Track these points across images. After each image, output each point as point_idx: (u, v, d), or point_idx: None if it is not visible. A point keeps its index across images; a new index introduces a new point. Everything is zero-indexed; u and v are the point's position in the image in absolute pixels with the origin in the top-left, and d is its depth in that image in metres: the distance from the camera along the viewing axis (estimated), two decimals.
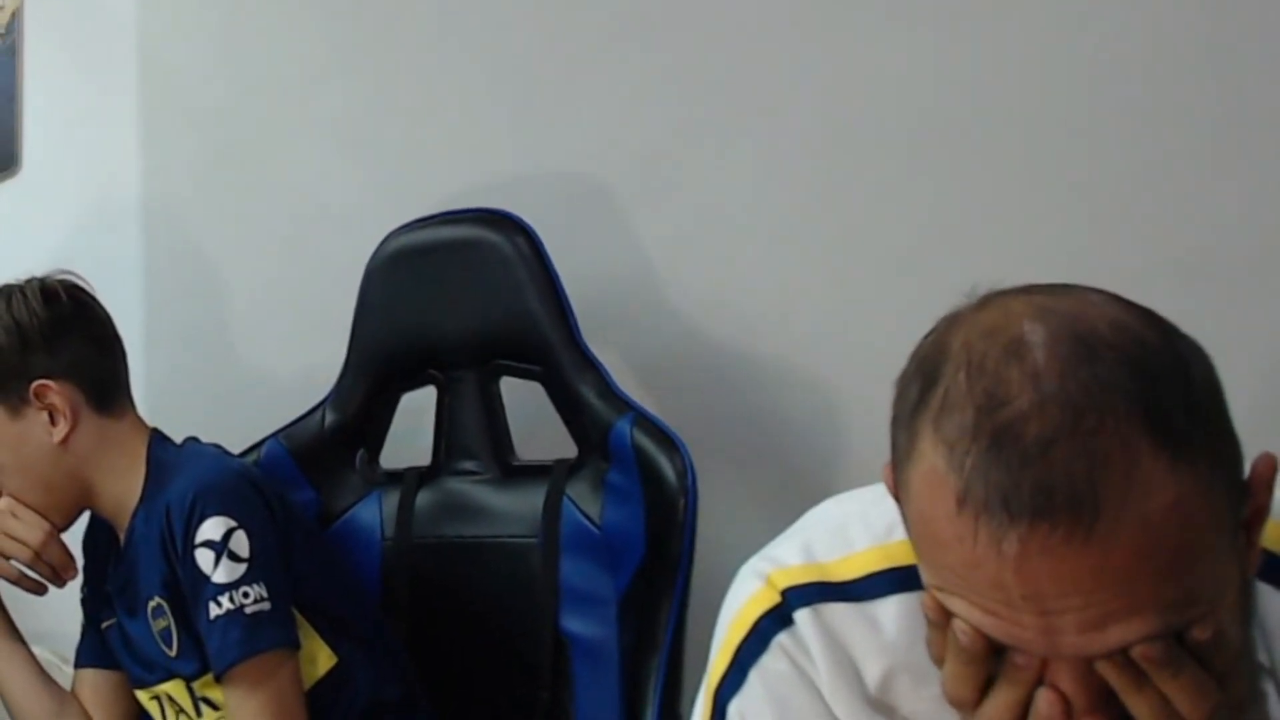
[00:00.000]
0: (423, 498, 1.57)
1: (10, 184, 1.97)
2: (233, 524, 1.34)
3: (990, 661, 0.72)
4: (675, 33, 1.59)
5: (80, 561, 1.53)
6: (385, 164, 1.76)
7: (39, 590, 1.48)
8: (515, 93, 1.68)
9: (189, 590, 1.35)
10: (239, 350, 1.84)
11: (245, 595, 1.32)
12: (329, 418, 1.61)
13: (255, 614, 1.32)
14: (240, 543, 1.33)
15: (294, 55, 1.81)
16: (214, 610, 1.32)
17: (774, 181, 1.54)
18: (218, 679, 1.35)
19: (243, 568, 1.33)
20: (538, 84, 1.67)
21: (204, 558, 1.33)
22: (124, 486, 1.44)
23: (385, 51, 1.76)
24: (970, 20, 1.42)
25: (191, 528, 1.33)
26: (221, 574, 1.32)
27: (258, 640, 1.32)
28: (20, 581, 1.47)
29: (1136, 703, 0.69)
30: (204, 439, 1.51)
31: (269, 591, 1.33)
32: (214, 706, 1.41)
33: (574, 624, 1.46)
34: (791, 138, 1.53)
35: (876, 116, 1.48)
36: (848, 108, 1.50)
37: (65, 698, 1.53)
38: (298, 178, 1.80)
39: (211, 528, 1.33)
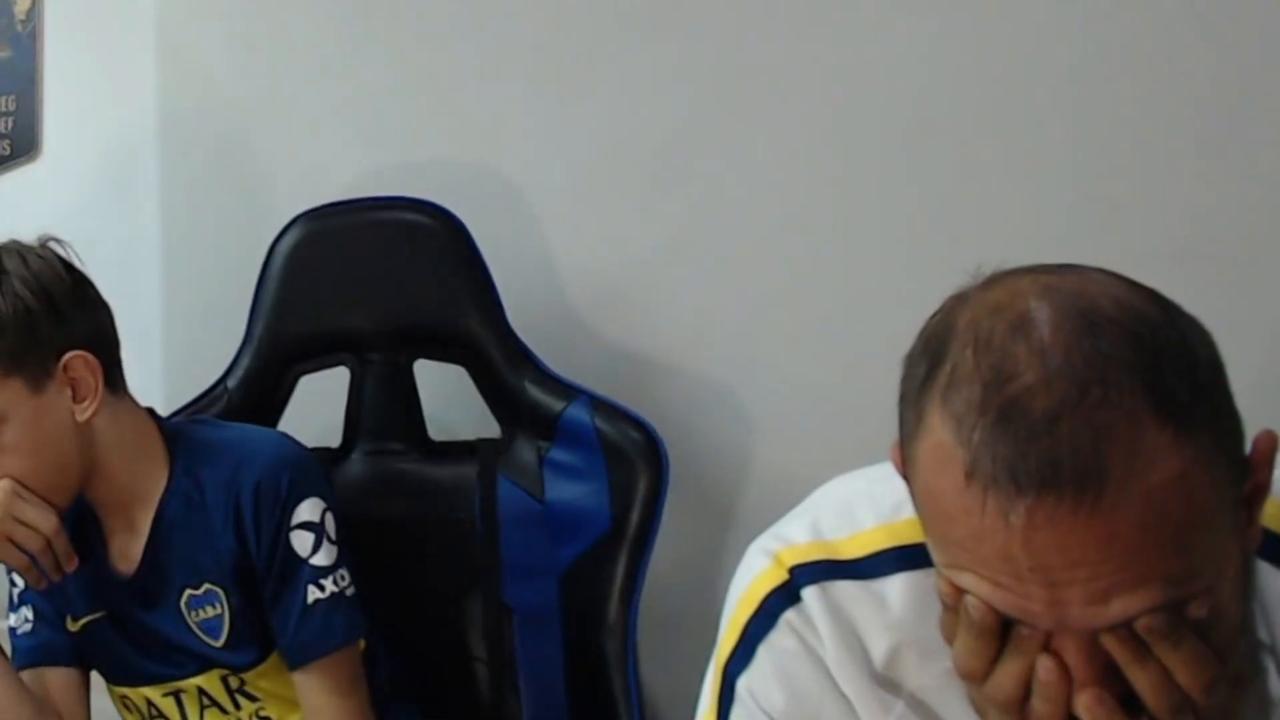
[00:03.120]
0: (336, 478, 1.56)
1: (31, 168, 1.99)
2: (324, 505, 1.29)
3: (1000, 635, 0.73)
4: (675, 27, 1.61)
5: None
6: (396, 149, 1.78)
7: (41, 582, 1.32)
8: (527, 79, 1.70)
9: (274, 574, 1.28)
10: None
11: (343, 579, 1.29)
12: (227, 396, 1.60)
13: (353, 598, 1.29)
14: (331, 525, 1.29)
15: (309, 41, 1.83)
16: (314, 594, 1.27)
17: (765, 175, 1.56)
18: (301, 664, 1.29)
19: (336, 550, 1.29)
20: (550, 71, 1.69)
21: (300, 540, 1.27)
22: (138, 470, 1.32)
23: (398, 39, 1.77)
24: (974, 10, 1.43)
25: (288, 509, 1.27)
26: (321, 557, 1.28)
27: (357, 625, 1.30)
28: (28, 571, 1.31)
29: (1139, 676, 0.70)
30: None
31: (351, 575, 1.30)
32: (252, 697, 1.35)
33: (514, 595, 1.50)
34: (796, 129, 1.55)
35: (875, 107, 1.50)
36: (849, 100, 1.52)
37: (44, 706, 1.37)
38: (312, 161, 1.82)
39: (308, 509, 1.28)
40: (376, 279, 1.54)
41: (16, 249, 1.29)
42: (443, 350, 1.56)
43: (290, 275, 1.58)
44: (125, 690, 1.41)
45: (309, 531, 1.27)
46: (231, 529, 1.28)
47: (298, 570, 1.27)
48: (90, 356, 1.28)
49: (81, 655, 1.41)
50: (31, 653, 1.40)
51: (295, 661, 1.30)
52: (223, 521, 1.28)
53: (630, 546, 1.46)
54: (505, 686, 1.50)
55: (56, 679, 1.40)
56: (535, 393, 1.51)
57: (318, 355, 1.59)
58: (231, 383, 1.60)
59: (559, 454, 1.50)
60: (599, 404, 1.49)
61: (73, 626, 1.40)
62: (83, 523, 1.36)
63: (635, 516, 1.46)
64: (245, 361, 1.60)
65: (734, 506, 1.59)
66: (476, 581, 1.50)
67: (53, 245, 1.32)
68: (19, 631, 1.42)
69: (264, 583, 1.29)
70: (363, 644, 1.37)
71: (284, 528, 1.27)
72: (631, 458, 1.46)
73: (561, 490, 1.50)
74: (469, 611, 1.51)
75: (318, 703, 1.30)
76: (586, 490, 1.48)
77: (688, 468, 1.56)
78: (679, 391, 1.61)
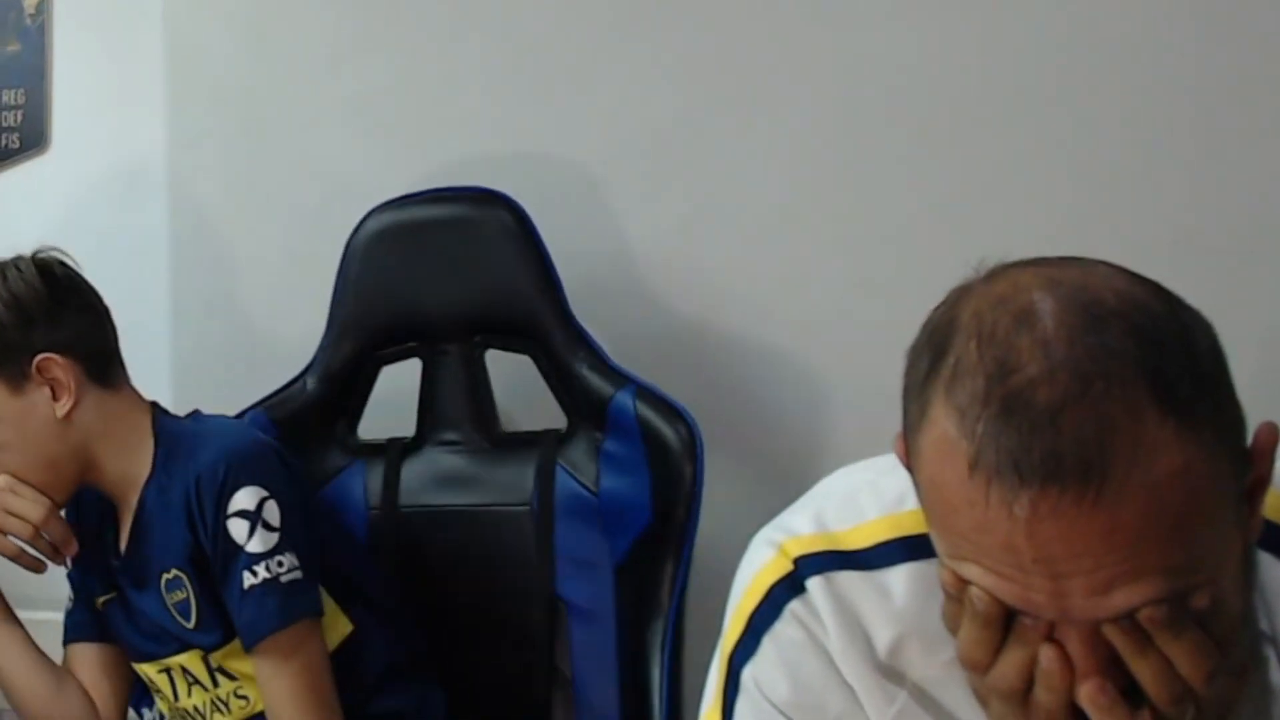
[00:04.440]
0: (408, 468, 1.59)
1: (40, 161, 2.00)
2: (264, 494, 1.35)
3: (1004, 625, 0.73)
4: (685, 17, 1.63)
5: None
6: (403, 141, 1.79)
7: (38, 568, 1.46)
8: (530, 72, 1.72)
9: (218, 560, 1.35)
10: (264, 322, 1.87)
11: (279, 564, 1.33)
12: (309, 387, 1.62)
13: (290, 583, 1.34)
14: (272, 512, 1.34)
15: (317, 34, 1.84)
16: (249, 580, 1.33)
17: (775, 165, 1.58)
18: (249, 649, 1.36)
19: (275, 537, 1.34)
20: (551, 65, 1.70)
21: (237, 528, 1.34)
22: (130, 460, 1.43)
23: (403, 32, 1.78)
24: (975, 4, 1.44)
25: (224, 498, 1.34)
26: (256, 544, 1.33)
27: (293, 609, 1.34)
28: (19, 558, 1.44)
29: (1140, 667, 0.71)
30: (231, 408, 1.52)
31: (299, 560, 1.35)
32: (230, 676, 1.42)
33: (570, 588, 1.50)
34: (793, 123, 1.57)
35: (881, 97, 1.51)
36: (851, 93, 1.53)
37: (63, 675, 1.50)
38: (320, 154, 1.83)
39: (245, 498, 1.34)
40: (448, 268, 1.56)
41: (1, 267, 1.42)
42: (510, 339, 1.56)
43: (367, 267, 1.59)
44: (135, 666, 1.50)
45: (244, 519, 1.34)
46: (185, 517, 1.37)
47: (235, 557, 1.34)
48: (61, 358, 1.39)
49: (105, 633, 1.51)
50: (69, 629, 1.53)
51: (245, 646, 1.37)
52: (179, 510, 1.37)
53: (673, 539, 1.43)
54: (558, 680, 1.50)
55: (85, 654, 1.51)
56: (591, 380, 1.51)
57: (393, 345, 1.61)
58: (311, 376, 1.63)
59: (611, 444, 1.50)
60: (643, 392, 1.47)
61: (99, 605, 1.50)
62: (102, 510, 1.48)
63: (676, 509, 1.43)
64: (326, 355, 1.62)
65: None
66: (529, 575, 1.51)
67: (43, 255, 1.44)
68: (66, 610, 1.54)
69: (213, 569, 1.36)
70: (350, 628, 1.43)
71: (221, 516, 1.34)
72: (671, 448, 1.44)
73: (611, 481, 1.49)
74: (523, 604, 1.52)
75: (264, 687, 1.37)
76: (631, 482, 1.47)
77: (758, 450, 1.56)
78: (749, 373, 1.60)
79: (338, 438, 1.63)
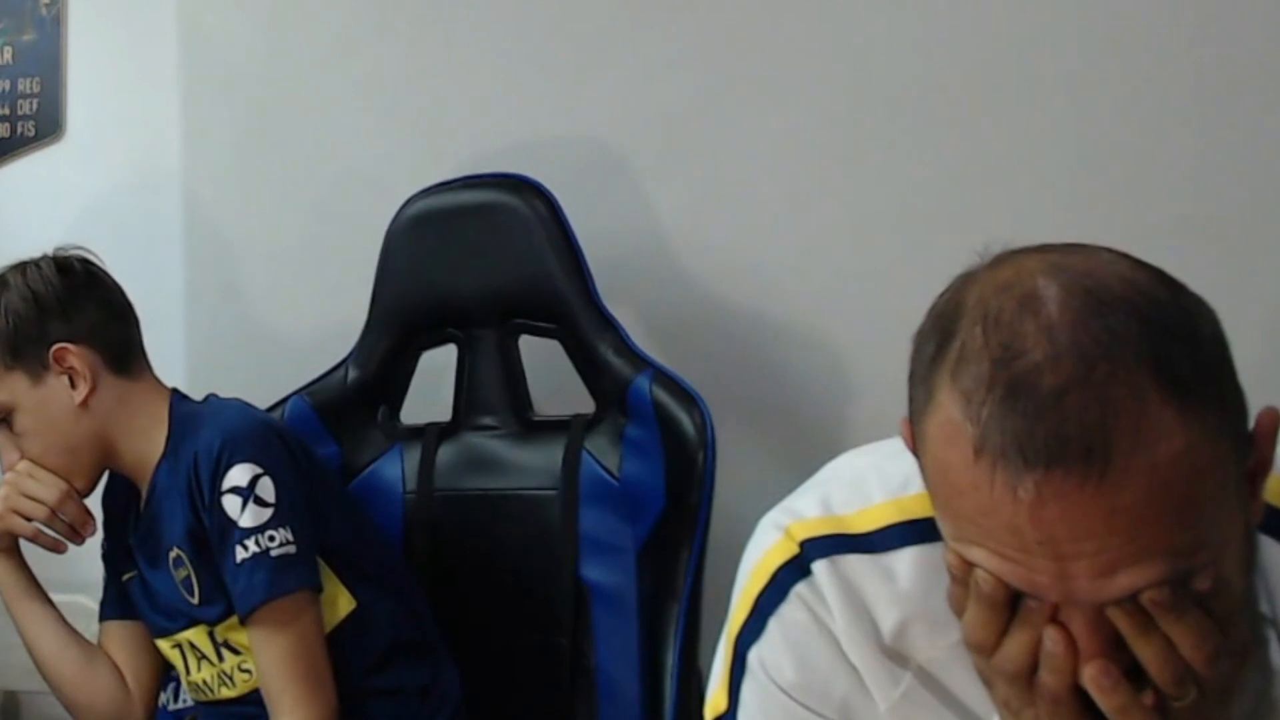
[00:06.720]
0: (444, 452, 1.61)
1: (55, 149, 2.01)
2: (259, 470, 1.38)
3: (1009, 608, 0.74)
4: (698, 2, 1.63)
5: (101, 519, 1.55)
6: (414, 128, 1.80)
7: (57, 548, 1.52)
8: (540, 59, 1.73)
9: (216, 536, 1.38)
10: (277, 308, 1.88)
11: (271, 539, 1.36)
12: (351, 375, 1.65)
13: (281, 556, 1.37)
14: (266, 488, 1.38)
15: (328, 22, 1.85)
16: (240, 554, 1.36)
17: (788, 147, 1.59)
18: (243, 621, 1.39)
19: (269, 512, 1.37)
20: (562, 51, 1.71)
21: (231, 503, 1.37)
22: (146, 444, 1.48)
23: (415, 19, 1.79)
24: None
25: (219, 475, 1.37)
26: (248, 518, 1.36)
27: (283, 582, 1.37)
28: (38, 538, 1.51)
29: (1143, 648, 0.71)
30: (244, 394, 1.53)
31: (294, 535, 1.38)
32: (235, 650, 1.45)
33: (594, 572, 1.51)
34: (806, 104, 1.57)
35: (889, 82, 1.52)
36: (861, 75, 1.53)
37: (93, 651, 1.55)
38: (331, 141, 1.84)
39: (239, 474, 1.37)
40: (482, 253, 1.57)
41: (22, 265, 1.48)
42: (541, 323, 1.58)
43: (404, 255, 1.61)
44: (156, 641, 1.54)
45: (237, 495, 1.37)
46: (186, 495, 1.41)
47: (230, 532, 1.37)
48: (76, 347, 1.45)
49: (133, 609, 1.55)
50: (102, 607, 1.59)
51: (239, 618, 1.40)
52: (182, 489, 1.41)
53: (687, 524, 1.44)
54: (580, 662, 1.51)
55: (117, 631, 1.57)
56: (615, 364, 1.52)
57: (431, 331, 1.63)
58: (352, 363, 1.65)
59: (632, 429, 1.50)
60: (659, 376, 1.48)
61: (123, 583, 1.56)
62: (129, 492, 1.54)
63: (690, 494, 1.44)
64: (367, 342, 1.64)
65: None
66: (555, 559, 1.52)
67: (65, 253, 1.50)
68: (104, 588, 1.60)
69: (212, 544, 1.40)
70: (353, 605, 1.45)
71: (217, 492, 1.38)
72: (686, 433, 1.45)
73: (632, 467, 1.50)
74: (547, 589, 1.53)
75: (256, 657, 1.41)
76: (649, 467, 1.48)
77: (780, 433, 1.57)
78: (768, 354, 1.61)
79: (379, 423, 1.65)
